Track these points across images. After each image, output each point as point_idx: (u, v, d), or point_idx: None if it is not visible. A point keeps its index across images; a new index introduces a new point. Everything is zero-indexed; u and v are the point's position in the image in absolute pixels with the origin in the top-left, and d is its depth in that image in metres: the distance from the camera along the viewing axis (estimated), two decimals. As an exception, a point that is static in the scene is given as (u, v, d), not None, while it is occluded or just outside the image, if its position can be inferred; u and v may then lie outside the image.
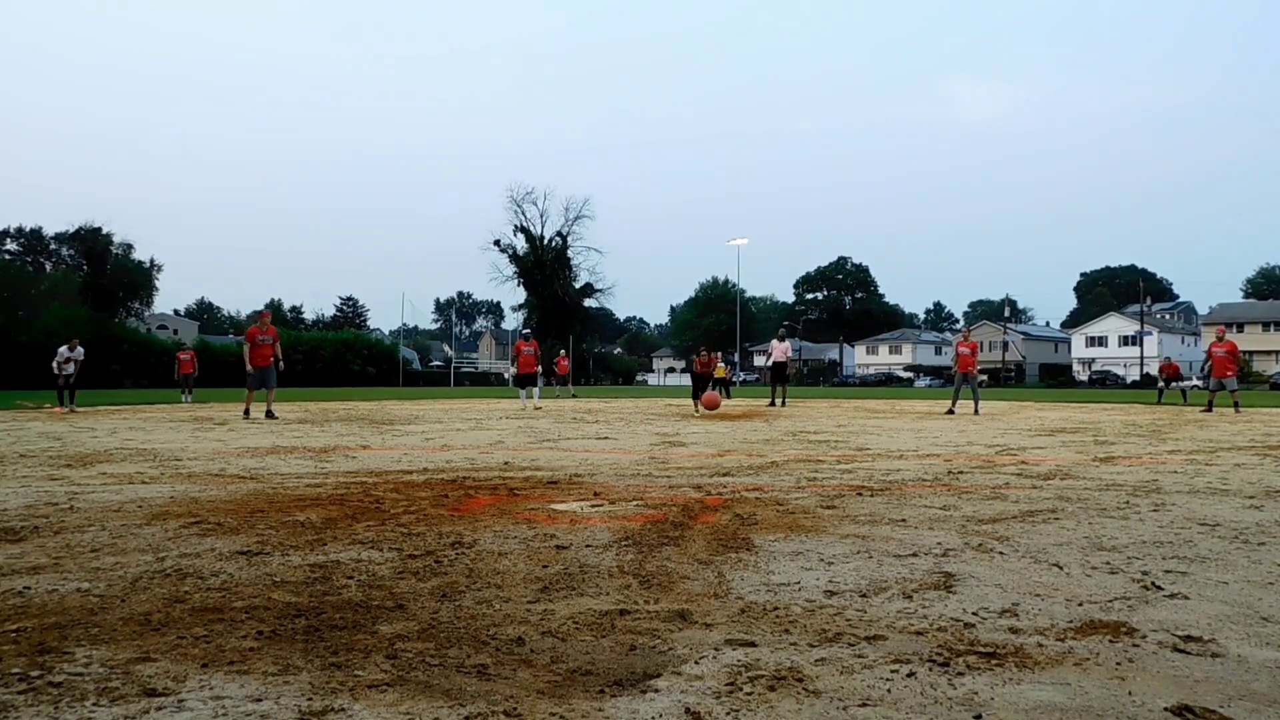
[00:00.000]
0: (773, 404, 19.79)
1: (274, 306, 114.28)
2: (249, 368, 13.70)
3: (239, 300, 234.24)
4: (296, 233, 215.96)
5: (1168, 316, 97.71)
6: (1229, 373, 17.77)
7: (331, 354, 56.38)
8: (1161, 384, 26.25)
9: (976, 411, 16.53)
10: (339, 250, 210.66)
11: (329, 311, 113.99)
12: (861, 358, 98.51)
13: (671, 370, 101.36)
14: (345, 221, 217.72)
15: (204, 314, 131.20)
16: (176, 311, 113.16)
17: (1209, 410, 17.75)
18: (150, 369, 45.44)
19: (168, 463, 6.72)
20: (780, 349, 20.68)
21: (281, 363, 14.04)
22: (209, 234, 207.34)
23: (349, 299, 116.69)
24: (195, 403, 20.97)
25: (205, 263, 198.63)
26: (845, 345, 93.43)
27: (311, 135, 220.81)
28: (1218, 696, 1.86)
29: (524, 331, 20.06)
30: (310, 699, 1.81)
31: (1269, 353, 76.90)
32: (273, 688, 1.87)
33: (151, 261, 64.63)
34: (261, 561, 3.11)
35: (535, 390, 19.16)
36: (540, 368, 19.49)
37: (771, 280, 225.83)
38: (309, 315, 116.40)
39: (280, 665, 2.01)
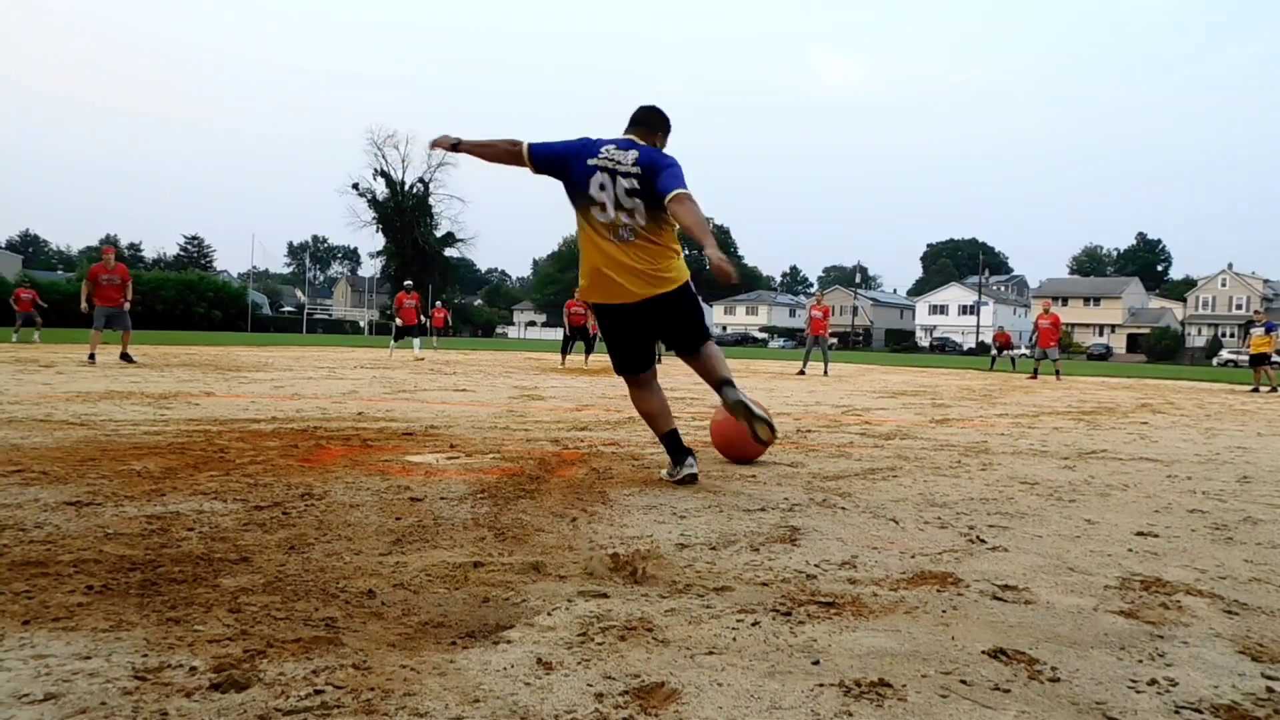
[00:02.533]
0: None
1: (111, 242, 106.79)
2: (84, 306, 13.01)
3: (69, 234, 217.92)
4: (136, 163, 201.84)
5: (1003, 289, 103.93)
6: (1052, 343, 19.14)
7: (173, 295, 52.93)
8: (994, 352, 28.00)
9: (826, 373, 17.20)
10: (183, 185, 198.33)
11: (172, 250, 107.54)
12: (719, 317, 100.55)
13: (532, 324, 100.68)
14: (191, 154, 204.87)
15: (29, 247, 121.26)
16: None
17: (1034, 377, 19.08)
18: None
19: (-17, 406, 6.22)
20: None
21: (128, 303, 13.28)
22: (35, 159, 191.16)
23: (194, 238, 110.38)
24: (21, 343, 19.45)
25: (31, 191, 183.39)
26: (703, 304, 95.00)
27: (154, 51, 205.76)
28: (1028, 640, 2.03)
29: (406, 284, 20.82)
30: (145, 656, 1.73)
31: (1088, 325, 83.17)
32: (103, 645, 1.78)
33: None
34: (92, 513, 2.93)
35: (417, 341, 19.80)
36: (422, 319, 20.03)
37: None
38: (149, 254, 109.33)
39: (112, 621, 1.91)
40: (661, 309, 3.82)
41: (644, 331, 3.95)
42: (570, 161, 3.77)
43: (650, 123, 3.92)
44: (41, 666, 1.67)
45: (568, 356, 18.34)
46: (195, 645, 1.79)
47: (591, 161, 3.74)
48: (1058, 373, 19.39)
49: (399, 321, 19.73)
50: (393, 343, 20.14)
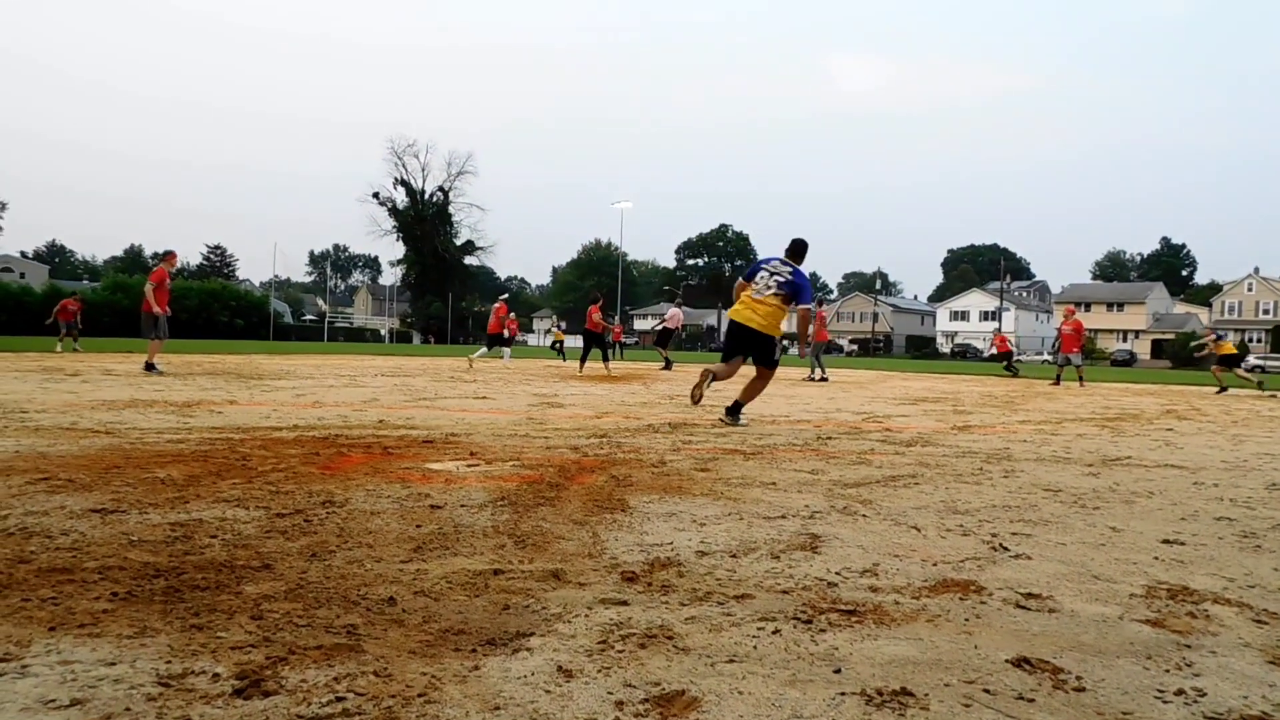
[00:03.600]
0: (667, 367, 20.48)
1: (136, 252, 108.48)
2: (156, 311, 12.16)
3: (94, 245, 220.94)
4: (160, 174, 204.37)
5: (1024, 294, 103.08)
6: (1075, 349, 19.00)
7: (197, 304, 53.52)
8: (988, 353, 27.82)
9: (824, 379, 17.17)
10: (207, 196, 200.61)
11: (195, 260, 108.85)
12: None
13: (551, 332, 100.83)
14: (214, 165, 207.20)
15: (55, 257, 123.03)
16: (24, 254, 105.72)
17: (1056, 384, 18.94)
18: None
19: (11, 415, 6.29)
20: (678, 315, 22.00)
21: (168, 311, 12.87)
22: (61, 171, 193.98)
23: (217, 248, 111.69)
24: (65, 351, 19.90)
25: (57, 202, 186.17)
26: (723, 311, 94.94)
27: (178, 72, 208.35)
28: (1051, 648, 2.01)
29: (504, 296, 23.52)
30: (169, 662, 1.75)
31: (1112, 331, 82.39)
32: (128, 651, 1.80)
33: (-8, 197, 59.94)
34: (117, 520, 2.96)
35: (486, 349, 21.45)
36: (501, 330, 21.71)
37: (654, 245, 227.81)
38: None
39: (136, 627, 1.93)
40: (756, 337, 7.18)
41: (745, 343, 7.27)
42: (754, 274, 7.30)
43: (801, 254, 7.34)
44: (67, 672, 1.68)
45: (585, 364, 18.50)
46: (218, 652, 1.81)
47: (763, 267, 7.29)
48: (1081, 379, 19.23)
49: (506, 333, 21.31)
50: (506, 352, 21.53)
